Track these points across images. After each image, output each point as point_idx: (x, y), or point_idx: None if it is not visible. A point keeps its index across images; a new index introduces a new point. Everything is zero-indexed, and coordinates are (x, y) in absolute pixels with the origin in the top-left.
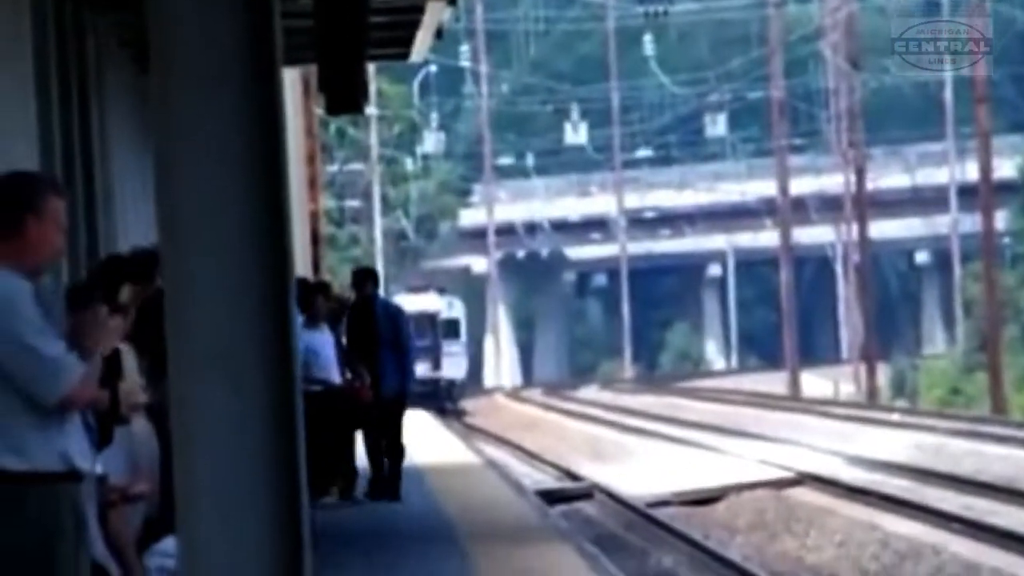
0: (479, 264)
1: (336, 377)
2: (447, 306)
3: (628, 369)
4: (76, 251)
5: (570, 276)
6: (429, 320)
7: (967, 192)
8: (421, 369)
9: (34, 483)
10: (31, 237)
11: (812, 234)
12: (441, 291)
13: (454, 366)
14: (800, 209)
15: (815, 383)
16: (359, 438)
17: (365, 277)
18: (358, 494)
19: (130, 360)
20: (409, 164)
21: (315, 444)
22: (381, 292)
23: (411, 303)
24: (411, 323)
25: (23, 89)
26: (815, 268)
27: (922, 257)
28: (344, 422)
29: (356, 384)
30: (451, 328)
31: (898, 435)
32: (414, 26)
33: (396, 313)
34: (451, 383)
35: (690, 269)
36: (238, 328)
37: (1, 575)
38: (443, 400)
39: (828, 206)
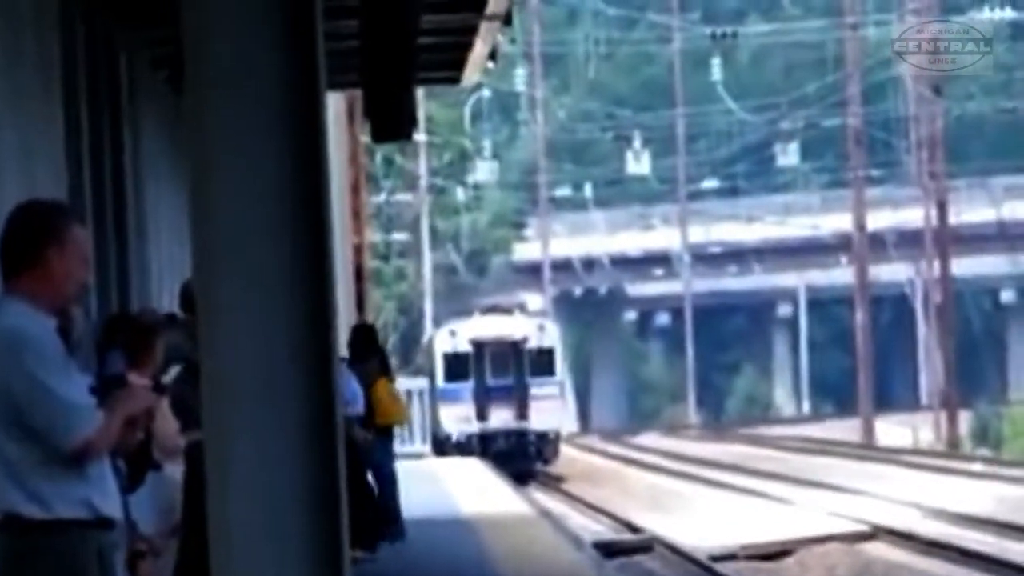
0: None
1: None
2: (537, 331)
3: (692, 415)
4: (107, 286)
5: (630, 315)
6: (512, 351)
7: None
8: (500, 419)
9: (57, 532)
10: (53, 269)
11: (890, 271)
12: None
13: (547, 413)
14: (877, 244)
15: (892, 431)
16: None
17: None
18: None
19: (164, 401)
20: (460, 194)
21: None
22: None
23: (486, 328)
24: (487, 355)
25: (50, 114)
26: (893, 308)
27: (1008, 296)
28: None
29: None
30: (543, 361)
31: (980, 486)
32: (466, 48)
33: None
34: (542, 437)
35: (759, 308)
36: (276, 365)
37: None
38: (531, 460)
39: (907, 241)
